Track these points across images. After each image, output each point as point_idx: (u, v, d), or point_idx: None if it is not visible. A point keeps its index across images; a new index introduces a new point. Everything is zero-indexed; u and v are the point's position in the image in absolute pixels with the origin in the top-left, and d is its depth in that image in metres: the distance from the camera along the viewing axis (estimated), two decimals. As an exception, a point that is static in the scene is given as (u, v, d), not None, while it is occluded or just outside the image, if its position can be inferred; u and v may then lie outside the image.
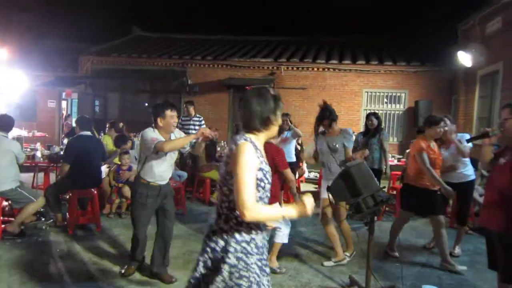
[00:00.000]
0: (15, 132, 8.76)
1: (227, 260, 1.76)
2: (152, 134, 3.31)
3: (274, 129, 1.89)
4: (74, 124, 8.89)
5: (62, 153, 6.19)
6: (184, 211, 5.89)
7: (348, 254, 4.25)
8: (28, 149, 7.07)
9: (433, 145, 4.12)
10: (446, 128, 4.33)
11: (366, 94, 11.03)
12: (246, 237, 1.80)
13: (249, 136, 1.82)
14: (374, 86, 10.98)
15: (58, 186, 4.92)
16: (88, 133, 5.02)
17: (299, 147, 7.25)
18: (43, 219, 5.07)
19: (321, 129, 4.21)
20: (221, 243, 1.79)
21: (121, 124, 7.69)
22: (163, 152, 3.26)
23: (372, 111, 7.86)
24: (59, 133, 12.77)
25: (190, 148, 3.54)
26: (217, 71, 11.53)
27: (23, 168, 5.03)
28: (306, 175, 8.86)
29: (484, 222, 2.99)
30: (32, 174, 6.83)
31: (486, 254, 3.00)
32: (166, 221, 3.51)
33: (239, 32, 14.76)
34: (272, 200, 1.99)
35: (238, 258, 1.76)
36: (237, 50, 12.46)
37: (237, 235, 1.78)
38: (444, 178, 4.40)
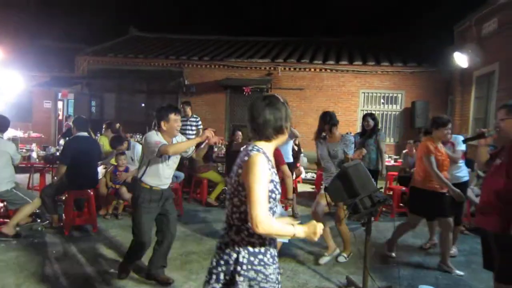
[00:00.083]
0: (10, 132, 8.70)
1: (244, 273, 1.74)
2: (155, 137, 3.25)
3: (285, 137, 1.89)
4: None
5: (58, 154, 6.16)
6: (181, 212, 5.88)
7: (345, 255, 4.26)
8: (24, 150, 7.01)
9: (440, 146, 4.06)
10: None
11: (363, 95, 11.05)
12: (260, 249, 1.79)
13: (261, 145, 1.80)
14: (371, 87, 11.00)
15: (54, 187, 4.89)
16: (85, 134, 4.99)
17: (296, 148, 7.26)
18: (38, 220, 5.06)
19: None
20: (234, 255, 1.77)
21: (117, 125, 7.66)
22: (167, 155, 3.22)
23: (369, 111, 7.89)
24: (55, 133, 12.72)
25: (192, 151, 3.51)
26: (214, 72, 11.52)
27: (18, 169, 5.01)
28: (303, 175, 8.87)
29: (480, 223, 3.00)
30: (27, 175, 6.80)
31: (482, 254, 3.02)
32: (169, 224, 3.47)
33: (236, 32, 14.76)
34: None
35: (256, 271, 1.75)
36: (234, 51, 12.46)
37: (249, 247, 1.77)
38: None
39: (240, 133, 7.12)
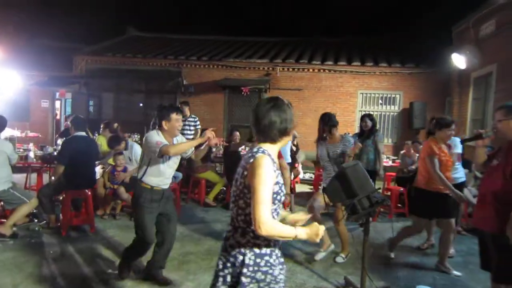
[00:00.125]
0: (7, 132, 8.66)
1: (251, 274, 1.76)
2: (157, 137, 3.23)
3: (289, 139, 1.91)
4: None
5: (55, 153, 6.14)
6: (179, 212, 5.86)
7: (343, 255, 4.27)
8: (21, 150, 7.00)
9: (444, 146, 4.05)
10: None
11: (361, 95, 11.07)
12: (266, 250, 1.80)
13: (266, 147, 1.82)
14: (369, 88, 11.02)
15: (52, 187, 4.87)
16: (83, 133, 4.98)
17: (294, 148, 7.26)
18: (36, 220, 5.04)
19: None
20: (240, 257, 1.78)
21: (115, 125, 7.64)
22: (168, 156, 3.21)
23: (367, 112, 7.89)
24: (52, 133, 12.68)
25: (191, 152, 3.50)
26: (212, 72, 11.51)
27: (15, 169, 4.98)
28: (301, 176, 8.88)
29: (477, 223, 3.01)
30: (25, 175, 6.77)
31: (479, 254, 3.03)
32: (169, 225, 3.46)
33: (235, 32, 14.77)
34: None
35: (263, 273, 1.77)
36: (233, 51, 12.46)
37: (255, 249, 1.78)
38: None
39: (238, 133, 7.12)
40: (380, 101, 11.08)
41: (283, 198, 1.84)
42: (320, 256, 4.25)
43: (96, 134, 7.63)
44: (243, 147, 8.21)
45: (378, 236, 5.17)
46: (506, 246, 2.66)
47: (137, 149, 5.91)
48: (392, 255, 4.40)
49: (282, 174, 4.01)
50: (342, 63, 11.07)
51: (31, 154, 6.32)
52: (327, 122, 4.14)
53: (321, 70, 11.09)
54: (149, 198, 3.27)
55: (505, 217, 2.67)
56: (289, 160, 6.28)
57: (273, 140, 1.84)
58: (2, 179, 4.44)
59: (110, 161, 5.92)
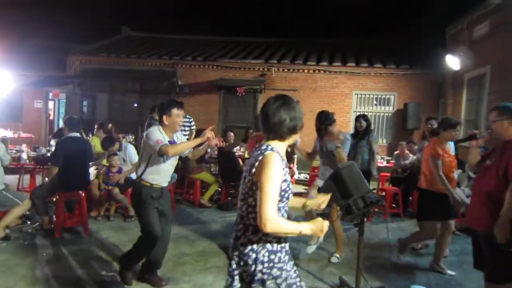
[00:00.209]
0: (0, 133, 8.59)
1: (267, 271, 1.76)
2: (157, 134, 3.19)
3: (297, 136, 1.92)
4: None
5: (49, 154, 6.09)
6: (174, 213, 5.84)
7: (337, 255, 4.28)
8: (14, 151, 6.93)
9: (448, 147, 4.01)
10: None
11: (356, 96, 11.10)
12: (277, 246, 1.81)
13: (275, 145, 1.83)
14: (364, 88, 11.06)
15: (45, 189, 4.83)
16: (77, 134, 4.94)
17: (289, 149, 7.26)
18: (29, 222, 4.99)
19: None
20: (253, 255, 1.78)
21: (110, 125, 7.59)
22: (167, 156, 3.17)
23: (362, 113, 7.92)
24: (45, 134, 12.58)
25: (189, 151, 3.46)
26: (207, 72, 11.49)
27: (8, 170, 4.93)
28: (296, 176, 8.89)
29: (471, 223, 3.03)
30: (17, 176, 6.71)
31: (472, 254, 3.05)
32: (165, 225, 3.43)
33: (230, 33, 14.75)
34: None
35: (279, 269, 1.79)
36: (228, 51, 12.44)
37: (268, 246, 1.79)
38: None
39: (232, 134, 7.11)
40: (374, 102, 11.13)
41: (291, 196, 1.85)
42: (311, 249, 4.29)
43: (90, 135, 7.58)
44: (237, 147, 8.21)
45: (373, 236, 5.18)
46: (499, 246, 2.68)
47: (131, 150, 5.88)
48: (402, 258, 4.31)
49: None
50: (337, 64, 11.11)
51: (24, 155, 6.25)
52: (324, 120, 4.18)
53: (316, 71, 11.12)
54: (149, 194, 3.24)
55: (498, 217, 2.69)
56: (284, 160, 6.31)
57: (282, 138, 1.85)
58: (-5, 180, 4.39)
59: (104, 162, 5.88)
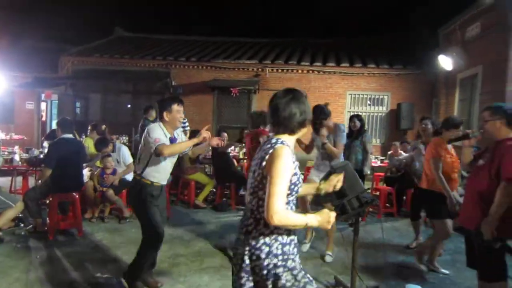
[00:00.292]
0: (-8, 134, 8.49)
1: (283, 263, 1.77)
2: (157, 132, 3.14)
3: (305, 131, 1.93)
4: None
5: (41, 156, 6.04)
6: (169, 214, 5.82)
7: (330, 253, 4.29)
8: (6, 153, 6.85)
9: (450, 147, 3.98)
10: (429, 127, 4.46)
11: (350, 96, 11.16)
12: (287, 239, 1.82)
13: (284, 138, 1.83)
14: (357, 89, 11.11)
15: (38, 191, 4.78)
16: (70, 135, 4.90)
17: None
18: (21, 224, 4.94)
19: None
20: (266, 249, 1.78)
21: (103, 126, 7.55)
22: (162, 156, 3.11)
23: (355, 113, 7.95)
24: (38, 135, 12.47)
25: (189, 149, 3.43)
26: (201, 73, 11.47)
27: (0, 172, 4.89)
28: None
29: (464, 222, 3.06)
30: (10, 178, 6.64)
31: (465, 253, 3.08)
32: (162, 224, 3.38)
33: (224, 33, 14.75)
34: None
35: (293, 260, 1.81)
36: (222, 52, 12.44)
37: (280, 238, 1.80)
38: (417, 178, 4.54)
39: (226, 134, 7.09)
40: (368, 102, 11.19)
41: (300, 189, 1.85)
42: (306, 247, 4.30)
43: (83, 136, 7.53)
44: (232, 147, 8.20)
45: (367, 236, 5.21)
46: (486, 242, 2.72)
47: (125, 151, 5.85)
48: (424, 267, 4.08)
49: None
50: (331, 64, 11.15)
51: (17, 157, 6.19)
52: (319, 115, 4.19)
53: (310, 71, 11.15)
54: (149, 193, 3.20)
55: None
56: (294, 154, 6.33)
57: (292, 132, 1.86)
58: (-13, 182, 4.34)
59: (98, 163, 5.85)
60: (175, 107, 3.23)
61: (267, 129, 4.54)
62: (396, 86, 10.95)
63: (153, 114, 7.74)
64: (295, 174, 1.78)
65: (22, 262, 3.90)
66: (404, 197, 6.58)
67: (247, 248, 1.80)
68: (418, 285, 3.65)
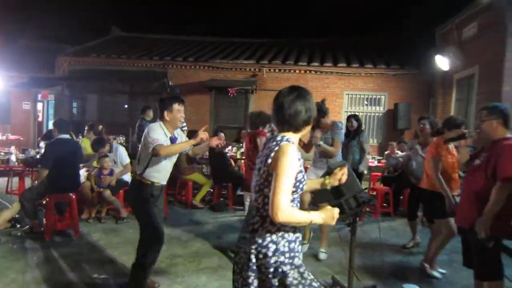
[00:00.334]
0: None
1: (289, 261, 1.77)
2: (158, 132, 3.11)
3: (309, 129, 1.93)
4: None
5: (38, 157, 6.01)
6: (166, 214, 5.80)
7: (323, 250, 4.30)
8: (2, 153, 6.81)
9: (452, 147, 3.97)
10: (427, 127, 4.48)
11: (347, 96, 11.17)
12: (293, 236, 1.82)
13: (289, 136, 1.83)
14: (355, 89, 11.13)
15: (35, 191, 4.76)
16: (67, 136, 4.88)
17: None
18: (18, 225, 4.91)
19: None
20: (273, 246, 1.77)
21: (100, 127, 7.53)
22: (159, 156, 3.07)
23: (353, 113, 7.96)
24: (34, 136, 12.42)
25: (190, 148, 3.40)
26: (198, 73, 11.46)
27: (-4, 173, 4.87)
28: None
29: (460, 221, 3.08)
30: (6, 178, 6.61)
31: (462, 252, 3.09)
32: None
33: (221, 33, 14.76)
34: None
35: (299, 258, 1.82)
36: (219, 52, 12.43)
37: (286, 235, 1.80)
38: (414, 178, 4.56)
39: (222, 134, 7.08)
40: (365, 102, 11.21)
41: (305, 187, 1.85)
42: (305, 248, 4.31)
43: (80, 137, 7.50)
44: (229, 147, 8.19)
45: (364, 236, 5.21)
46: (480, 241, 2.73)
47: (122, 151, 5.84)
48: (436, 273, 4.01)
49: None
50: (328, 64, 11.16)
51: (13, 158, 6.16)
52: (317, 113, 4.20)
53: (308, 71, 11.16)
54: (150, 193, 3.17)
55: (486, 215, 2.73)
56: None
57: (297, 130, 1.86)
58: (-18, 183, 4.32)
59: (95, 163, 5.83)
60: (176, 106, 3.20)
61: (266, 129, 4.53)
62: (393, 86, 10.97)
63: (150, 114, 7.73)
64: (300, 171, 1.78)
65: (18, 263, 3.88)
66: (401, 197, 6.59)
67: (254, 247, 1.79)
68: (415, 284, 3.68)
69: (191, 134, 4.14)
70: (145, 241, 3.22)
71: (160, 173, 3.24)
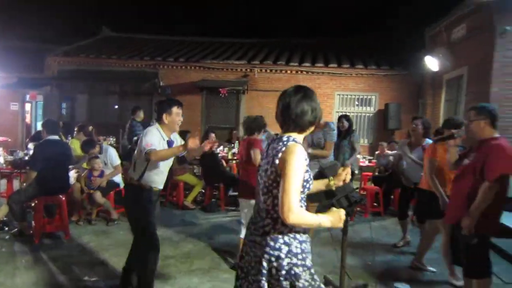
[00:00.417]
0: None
1: (302, 262, 1.77)
2: (153, 135, 3.05)
3: (312, 129, 1.93)
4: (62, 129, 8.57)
5: (26, 158, 5.93)
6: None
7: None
8: (-10, 155, 6.70)
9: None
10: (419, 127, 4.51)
11: (338, 97, 11.23)
12: (304, 236, 1.82)
13: (294, 136, 1.83)
14: (346, 89, 11.19)
15: (23, 194, 4.68)
16: (56, 137, 4.82)
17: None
18: (6, 228, 4.84)
19: None
20: (285, 248, 1.76)
21: (90, 128, 7.45)
22: (151, 161, 3.01)
23: (344, 113, 8.01)
24: (22, 137, 12.24)
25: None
26: (189, 73, 11.41)
27: (-16, 175, 4.78)
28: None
29: (450, 220, 3.12)
30: (-6, 180, 6.51)
31: (450, 250, 3.13)
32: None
33: (212, 33, 14.72)
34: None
35: (310, 259, 1.82)
36: (210, 52, 12.40)
37: (298, 236, 1.79)
38: (405, 178, 4.59)
39: (213, 135, 7.05)
40: (356, 102, 11.28)
41: (312, 186, 1.85)
42: None
43: (70, 138, 7.41)
44: (221, 148, 8.17)
45: (355, 235, 5.24)
46: (465, 237, 2.78)
47: (112, 153, 5.78)
48: (432, 268, 4.14)
49: (255, 158, 4.05)
50: (319, 65, 11.21)
51: (1, 159, 6.07)
52: None
53: (299, 72, 11.19)
54: (148, 198, 3.12)
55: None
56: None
57: (302, 130, 1.86)
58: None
59: (85, 165, 5.76)
60: (175, 109, 3.17)
61: (260, 135, 4.43)
62: (384, 86, 11.06)
63: (140, 115, 7.67)
64: (307, 171, 1.78)
65: (7, 266, 3.82)
66: (392, 197, 6.65)
67: (266, 249, 1.76)
68: (406, 283, 3.72)
69: (182, 134, 4.13)
70: (143, 245, 3.16)
71: (158, 177, 3.20)
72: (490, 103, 6.04)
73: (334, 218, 1.81)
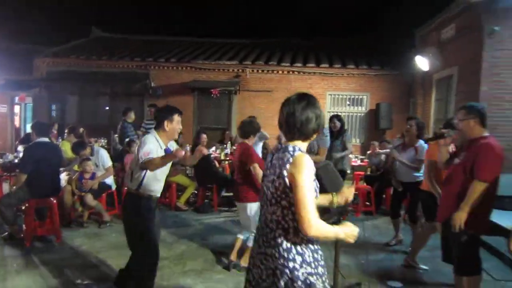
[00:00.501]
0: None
1: (315, 271, 1.76)
2: (150, 144, 2.97)
3: (315, 136, 1.92)
4: (56, 131, 8.48)
5: (16, 161, 5.85)
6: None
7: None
8: (-22, 157, 6.61)
9: (451, 148, 3.91)
10: (413, 128, 4.54)
11: (329, 97, 11.28)
12: (316, 245, 1.82)
13: (299, 145, 1.81)
14: (337, 89, 11.24)
15: (14, 197, 4.61)
16: (46, 139, 4.76)
17: (264, 151, 7.30)
18: (-4, 232, 4.78)
19: None
20: (299, 258, 1.74)
21: (81, 129, 7.38)
22: (148, 169, 2.97)
23: (335, 113, 8.05)
24: (11, 140, 12.08)
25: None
26: (181, 74, 11.36)
27: (-28, 178, 4.71)
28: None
29: (441, 219, 3.15)
30: (-17, 183, 6.41)
31: (441, 248, 3.17)
32: (157, 235, 3.26)
33: (204, 34, 14.69)
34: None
35: (322, 267, 1.81)
36: (201, 52, 12.36)
37: (310, 245, 1.79)
38: (397, 177, 4.65)
39: (205, 135, 7.02)
40: (348, 102, 11.34)
41: (318, 195, 1.85)
42: None
43: (60, 140, 7.34)
44: (213, 149, 8.16)
45: (349, 234, 5.27)
46: (466, 240, 2.81)
47: (103, 154, 5.73)
48: (424, 266, 4.22)
49: (256, 173, 4.04)
50: (311, 65, 11.24)
51: (-10, 162, 5.99)
52: None
53: (291, 72, 11.21)
54: (148, 207, 3.07)
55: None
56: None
57: (306, 138, 1.85)
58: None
59: (76, 167, 5.71)
60: (176, 117, 3.16)
61: (255, 139, 4.39)
62: (375, 86, 11.13)
63: (132, 116, 7.63)
64: (314, 180, 1.78)
65: (-3, 271, 3.78)
66: (384, 196, 6.70)
67: (281, 261, 1.74)
68: (398, 281, 3.76)
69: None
70: (143, 256, 3.11)
71: (157, 184, 3.16)
72: (480, 102, 6.12)
73: (348, 233, 1.82)
